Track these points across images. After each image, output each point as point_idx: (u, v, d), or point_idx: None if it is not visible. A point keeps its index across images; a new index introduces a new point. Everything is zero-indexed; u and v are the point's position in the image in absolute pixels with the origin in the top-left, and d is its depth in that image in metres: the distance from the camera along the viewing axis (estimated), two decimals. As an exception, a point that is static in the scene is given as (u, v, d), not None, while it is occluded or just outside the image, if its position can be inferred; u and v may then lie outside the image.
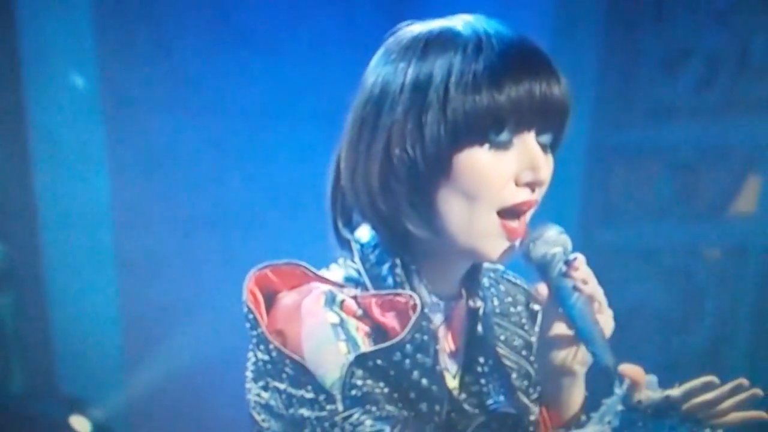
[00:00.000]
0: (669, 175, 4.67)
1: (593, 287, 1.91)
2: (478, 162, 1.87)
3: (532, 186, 1.90)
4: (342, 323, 1.88)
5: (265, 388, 1.89)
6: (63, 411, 4.27)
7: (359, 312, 1.90)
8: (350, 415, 1.84)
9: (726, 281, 4.56)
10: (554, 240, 1.91)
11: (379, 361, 1.85)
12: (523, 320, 2.09)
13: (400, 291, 1.92)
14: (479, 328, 2.02)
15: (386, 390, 1.85)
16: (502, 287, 2.10)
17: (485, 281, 2.07)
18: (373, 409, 1.84)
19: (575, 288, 1.89)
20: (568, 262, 1.91)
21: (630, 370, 1.83)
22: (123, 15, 4.53)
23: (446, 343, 1.99)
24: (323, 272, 1.98)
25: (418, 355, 1.87)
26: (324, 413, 1.85)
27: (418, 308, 1.88)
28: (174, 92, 4.58)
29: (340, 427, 1.84)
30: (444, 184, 1.89)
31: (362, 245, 1.97)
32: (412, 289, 1.93)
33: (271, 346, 1.88)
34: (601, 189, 4.76)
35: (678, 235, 4.67)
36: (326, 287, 1.92)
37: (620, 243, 4.72)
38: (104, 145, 4.52)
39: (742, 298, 4.52)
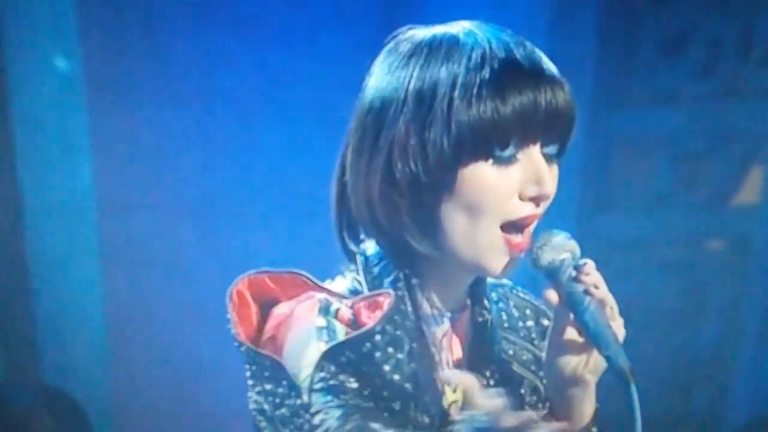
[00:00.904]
0: (669, 164, 4.62)
1: (604, 292, 1.86)
2: (483, 177, 1.83)
3: (536, 200, 1.86)
4: (328, 327, 1.85)
5: (259, 392, 1.88)
6: (45, 402, 4.25)
7: (353, 320, 1.87)
8: (311, 406, 1.81)
9: (728, 272, 4.52)
10: (562, 246, 1.88)
11: (349, 354, 1.82)
12: (533, 335, 2.06)
13: (381, 291, 1.89)
14: (486, 341, 2.00)
15: (356, 385, 1.82)
16: (511, 302, 2.07)
17: (494, 295, 2.05)
18: (335, 400, 1.80)
19: (586, 292, 1.85)
20: (577, 267, 1.86)
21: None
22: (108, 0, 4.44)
23: (449, 354, 1.98)
24: (327, 283, 1.97)
25: (389, 349, 1.84)
26: (294, 408, 1.83)
27: (390, 302, 1.85)
28: (161, 80, 4.51)
29: (303, 418, 1.82)
30: (447, 199, 1.85)
31: (366, 258, 1.96)
32: (414, 302, 1.91)
33: (243, 348, 1.87)
34: (599, 178, 4.68)
35: (679, 225, 4.63)
36: (323, 296, 1.90)
37: (619, 233, 4.65)
38: (88, 134, 4.45)
39: (744, 289, 4.47)
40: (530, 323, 2.07)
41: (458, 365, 1.98)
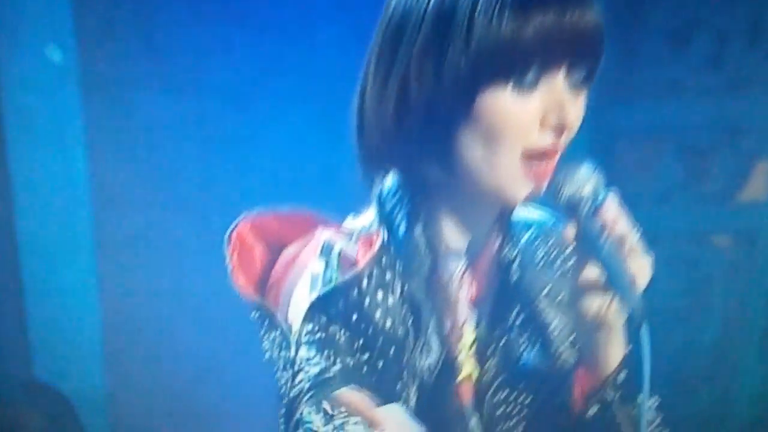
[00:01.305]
0: (674, 158, 4.56)
1: (624, 228, 1.76)
2: (501, 104, 1.74)
3: (558, 129, 1.77)
4: (325, 274, 1.80)
5: (267, 339, 1.86)
6: (37, 400, 4.21)
7: (355, 262, 1.82)
8: (295, 361, 1.78)
9: (734, 269, 4.47)
10: (585, 179, 1.78)
11: (338, 303, 1.78)
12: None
13: (374, 230, 1.84)
14: (513, 279, 1.92)
15: (347, 335, 1.78)
16: (551, 239, 1.98)
17: (531, 233, 1.98)
18: (317, 356, 1.77)
19: (604, 228, 1.75)
20: (598, 202, 1.77)
21: (347, 395, 1.75)
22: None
23: (470, 292, 1.90)
24: (350, 219, 1.91)
25: (379, 293, 1.79)
26: (285, 361, 1.81)
27: (377, 243, 1.79)
28: (157, 72, 4.45)
29: (289, 372, 1.79)
30: (463, 127, 1.76)
31: (382, 190, 1.89)
32: (428, 237, 1.83)
33: (241, 295, 1.85)
34: (603, 172, 4.63)
35: (684, 220, 4.58)
36: (328, 236, 1.84)
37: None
38: (82, 124, 4.38)
39: (750, 286, 4.43)
40: (573, 260, 1.94)
41: (476, 303, 1.90)
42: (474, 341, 1.88)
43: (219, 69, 4.47)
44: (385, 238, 1.82)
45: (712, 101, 4.45)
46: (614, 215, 1.78)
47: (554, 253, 1.99)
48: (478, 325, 1.90)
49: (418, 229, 1.84)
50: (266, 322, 1.84)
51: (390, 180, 1.89)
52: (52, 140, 4.37)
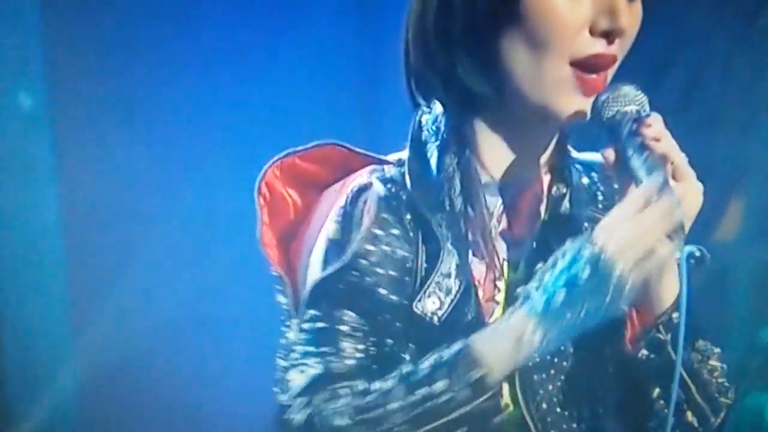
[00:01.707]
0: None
1: (667, 146, 1.68)
2: (548, 5, 1.65)
3: (610, 36, 1.68)
4: (342, 240, 1.72)
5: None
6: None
7: None
8: (294, 349, 1.69)
9: (706, 306, 4.45)
10: (630, 98, 1.70)
11: (339, 285, 1.68)
12: None
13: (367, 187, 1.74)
14: (560, 216, 1.81)
15: (351, 318, 1.66)
16: (616, 185, 1.80)
17: (592, 176, 1.87)
18: (314, 356, 1.66)
19: (645, 146, 1.66)
20: (639, 120, 1.67)
21: None
22: (73, 28, 4.32)
23: (507, 228, 1.80)
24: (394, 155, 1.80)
25: (379, 270, 1.69)
26: (288, 342, 1.72)
27: (371, 215, 1.70)
28: (128, 112, 4.39)
29: (287, 359, 1.70)
30: (507, 30, 1.68)
31: (420, 121, 1.79)
32: (464, 167, 1.73)
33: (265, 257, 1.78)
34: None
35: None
36: (363, 178, 1.74)
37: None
38: (54, 167, 4.34)
39: (722, 323, 4.41)
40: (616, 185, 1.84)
41: (514, 240, 1.80)
42: (509, 280, 1.77)
43: (193, 110, 4.43)
44: (408, 175, 1.73)
45: (682, 140, 4.46)
46: (656, 133, 1.69)
47: (616, 198, 1.83)
48: (515, 263, 1.79)
49: (452, 159, 1.75)
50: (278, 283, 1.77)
51: (432, 110, 1.80)
52: (23, 176, 4.32)
